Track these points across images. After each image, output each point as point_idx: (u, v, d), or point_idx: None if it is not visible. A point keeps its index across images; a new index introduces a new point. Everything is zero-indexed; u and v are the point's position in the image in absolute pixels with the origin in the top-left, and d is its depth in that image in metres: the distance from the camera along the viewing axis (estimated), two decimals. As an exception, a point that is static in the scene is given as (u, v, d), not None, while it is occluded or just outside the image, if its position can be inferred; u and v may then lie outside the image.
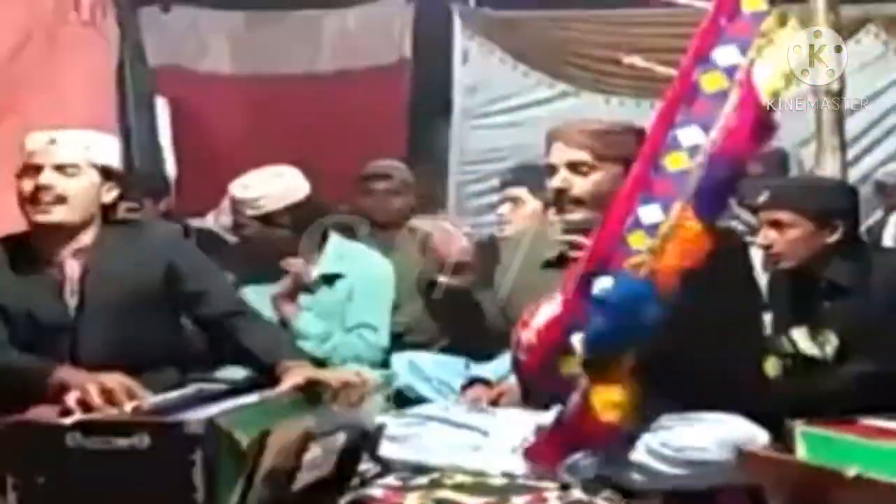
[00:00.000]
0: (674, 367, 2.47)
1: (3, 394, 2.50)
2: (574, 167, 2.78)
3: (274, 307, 3.39)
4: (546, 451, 2.61)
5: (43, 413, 2.37)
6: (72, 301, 2.75)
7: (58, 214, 2.73)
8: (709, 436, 2.50)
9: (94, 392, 2.40)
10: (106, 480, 2.17)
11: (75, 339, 2.73)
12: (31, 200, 2.72)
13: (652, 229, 2.47)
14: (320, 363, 2.96)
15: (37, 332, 2.72)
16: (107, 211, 2.83)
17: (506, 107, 6.41)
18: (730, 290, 2.53)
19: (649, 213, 2.48)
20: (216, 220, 5.20)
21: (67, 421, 2.25)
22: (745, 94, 2.47)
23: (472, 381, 3.17)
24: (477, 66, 6.38)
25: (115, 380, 2.45)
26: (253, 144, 6.37)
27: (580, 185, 2.77)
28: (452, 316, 3.04)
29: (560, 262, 2.86)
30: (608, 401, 2.49)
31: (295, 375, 2.53)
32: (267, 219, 3.45)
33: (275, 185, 3.48)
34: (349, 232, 3.84)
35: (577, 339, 2.49)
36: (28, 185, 2.73)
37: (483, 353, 3.22)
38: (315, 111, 6.32)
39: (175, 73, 6.43)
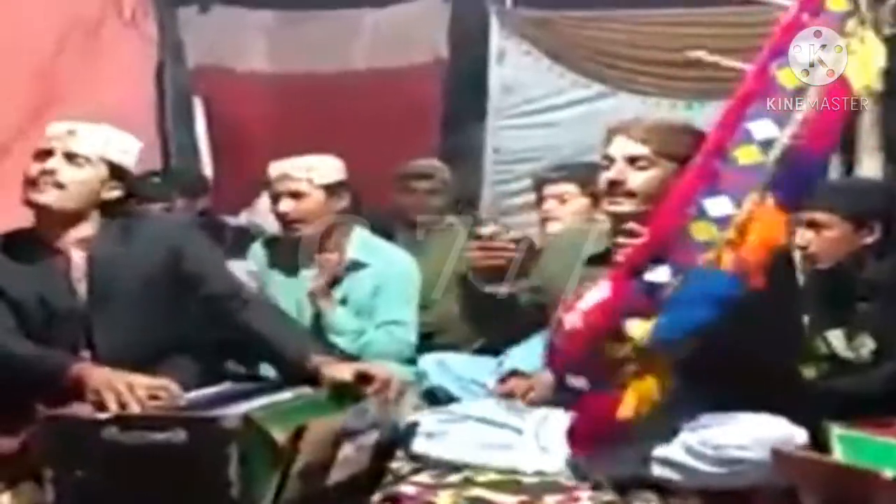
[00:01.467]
0: (712, 362, 2.46)
1: (20, 386, 2.52)
2: (632, 161, 2.79)
3: (311, 301, 3.41)
4: (581, 438, 2.60)
5: (82, 408, 2.38)
6: (81, 288, 2.76)
7: (50, 197, 2.73)
8: (748, 434, 2.49)
9: (124, 391, 2.39)
10: (142, 475, 2.19)
11: (89, 327, 2.74)
12: (30, 182, 2.74)
13: (721, 221, 2.47)
14: (351, 359, 2.97)
15: (50, 319, 2.73)
16: (107, 208, 2.81)
17: (541, 107, 6.38)
18: (773, 289, 2.52)
19: (717, 204, 2.47)
20: (249, 219, 5.24)
21: (104, 415, 2.28)
22: (835, 90, 2.47)
23: (509, 374, 3.16)
24: (513, 67, 6.35)
25: (143, 378, 2.46)
26: (288, 143, 6.39)
27: (635, 179, 2.78)
28: (496, 321, 3.03)
29: (606, 257, 2.86)
30: (642, 396, 2.49)
31: (338, 370, 2.56)
32: (329, 188, 3.48)
33: (320, 161, 3.53)
34: (382, 231, 3.85)
35: (631, 325, 2.48)
36: (35, 168, 2.75)
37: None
38: (350, 110, 6.32)
39: (213, 72, 6.45)
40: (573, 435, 2.61)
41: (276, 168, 3.55)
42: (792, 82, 2.50)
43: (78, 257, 2.78)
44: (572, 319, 2.55)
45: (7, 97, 4.31)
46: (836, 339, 2.99)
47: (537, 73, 6.39)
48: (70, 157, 2.76)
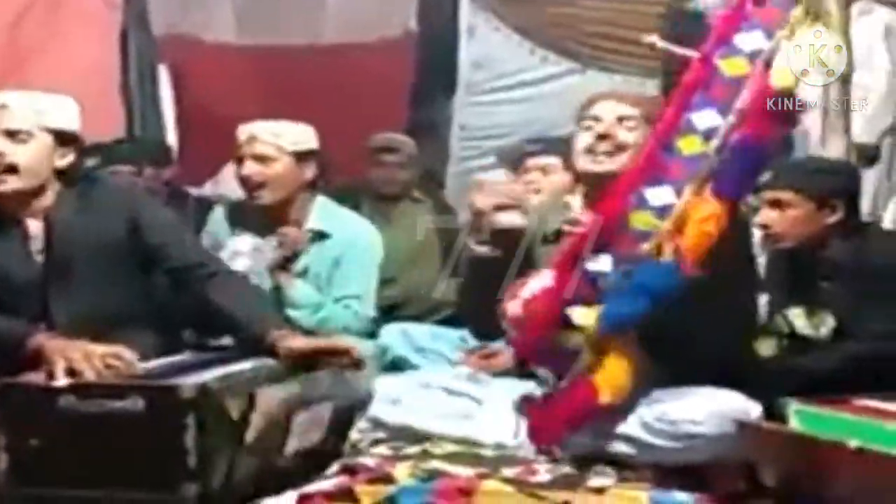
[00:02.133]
0: (669, 341, 2.49)
1: None
2: (621, 120, 2.83)
3: (270, 274, 3.37)
4: (545, 429, 2.61)
5: (37, 376, 2.36)
6: (38, 259, 2.72)
7: (11, 184, 2.68)
8: (702, 409, 2.52)
9: (79, 359, 2.37)
10: (99, 443, 2.18)
11: (45, 297, 2.70)
12: None
13: (661, 211, 2.48)
14: (308, 333, 2.96)
15: (10, 291, 2.69)
16: (63, 174, 2.75)
17: (510, 83, 6.37)
18: (727, 268, 2.53)
19: (659, 194, 2.50)
20: (214, 189, 5.21)
21: (61, 383, 2.26)
22: (761, 82, 2.47)
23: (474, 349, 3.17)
24: (483, 42, 6.33)
25: (101, 348, 2.43)
26: (255, 115, 6.35)
27: (625, 135, 2.81)
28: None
29: (558, 238, 2.87)
30: (613, 379, 2.50)
31: (296, 341, 2.54)
32: (299, 156, 3.41)
33: (291, 128, 3.46)
34: (350, 203, 3.83)
35: (577, 314, 2.50)
36: None
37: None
38: (319, 83, 6.27)
39: (179, 41, 6.39)
40: (536, 425, 2.62)
41: (244, 130, 3.45)
42: (732, 71, 2.50)
43: (36, 228, 2.73)
44: (514, 308, 2.57)
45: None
46: (796, 317, 3.00)
47: (507, 49, 6.37)
48: (10, 134, 2.68)
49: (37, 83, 4.20)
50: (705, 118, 2.51)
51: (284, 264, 3.38)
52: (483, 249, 2.99)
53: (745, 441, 2.41)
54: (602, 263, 2.51)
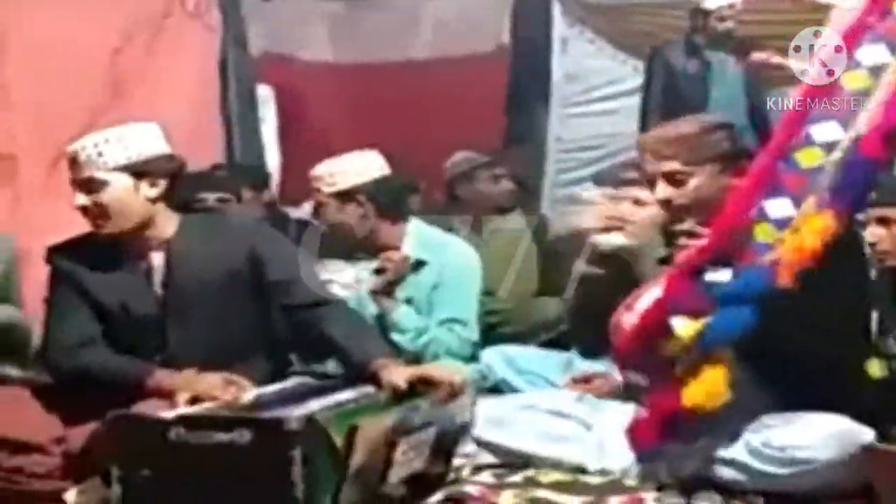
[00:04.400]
0: (777, 360, 2.45)
1: (101, 394, 2.54)
2: (670, 177, 2.77)
3: (373, 300, 3.39)
4: (643, 434, 2.58)
5: (148, 407, 2.42)
6: (159, 291, 2.75)
7: (110, 228, 2.71)
8: (812, 434, 2.46)
9: (205, 390, 2.46)
10: (207, 475, 2.20)
11: (164, 330, 2.74)
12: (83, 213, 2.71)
13: (781, 223, 2.45)
14: (412, 357, 2.97)
15: (130, 325, 2.73)
16: (168, 200, 2.75)
17: (603, 95, 6.35)
18: (841, 286, 2.48)
19: (778, 206, 2.46)
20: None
21: (170, 415, 2.30)
22: (889, 97, 2.43)
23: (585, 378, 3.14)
24: (575, 54, 6.33)
25: (220, 378, 2.51)
26: (353, 132, 6.42)
27: (679, 195, 2.76)
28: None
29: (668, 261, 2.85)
30: (708, 385, 2.47)
31: (396, 374, 2.53)
32: (343, 196, 3.46)
33: (353, 163, 3.50)
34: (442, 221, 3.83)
35: (679, 324, 2.47)
36: (75, 202, 2.70)
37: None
38: (414, 98, 6.33)
39: (277, 61, 6.49)
40: (635, 431, 2.59)
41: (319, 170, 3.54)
42: (854, 85, 2.46)
43: (157, 260, 2.76)
44: (630, 319, 2.55)
45: (74, 92, 4.35)
46: (905, 337, 2.93)
47: (600, 61, 6.36)
48: (82, 184, 2.68)
49: (138, 110, 4.31)
50: (825, 131, 2.47)
51: (389, 289, 3.40)
52: (591, 269, 2.95)
53: (867, 466, 2.35)
54: (722, 275, 2.48)
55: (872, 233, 2.96)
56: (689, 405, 2.46)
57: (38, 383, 2.83)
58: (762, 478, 2.50)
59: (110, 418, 2.30)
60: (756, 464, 2.51)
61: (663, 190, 2.78)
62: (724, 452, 2.54)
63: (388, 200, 3.50)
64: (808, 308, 2.39)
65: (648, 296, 2.60)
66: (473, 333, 3.47)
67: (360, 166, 3.50)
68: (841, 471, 2.41)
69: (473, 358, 3.41)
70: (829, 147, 2.46)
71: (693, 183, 2.74)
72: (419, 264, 3.47)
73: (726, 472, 2.54)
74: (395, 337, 3.31)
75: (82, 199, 2.68)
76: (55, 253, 2.80)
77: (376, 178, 3.49)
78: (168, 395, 2.51)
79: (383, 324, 3.35)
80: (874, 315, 3.02)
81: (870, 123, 2.44)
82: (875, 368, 2.91)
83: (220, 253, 2.76)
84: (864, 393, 2.67)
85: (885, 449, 2.36)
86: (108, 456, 2.28)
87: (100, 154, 2.66)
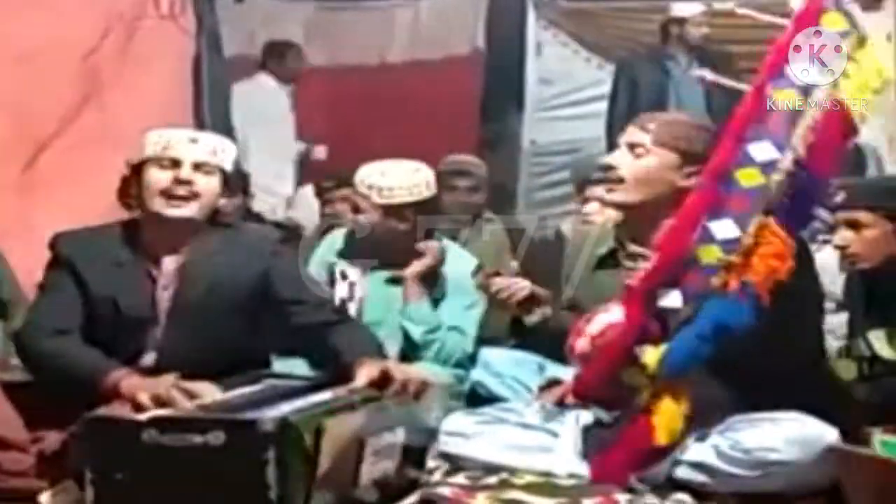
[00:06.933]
0: (741, 373, 2.49)
1: (60, 387, 2.59)
2: (632, 147, 2.81)
3: (404, 282, 3.41)
4: (609, 471, 2.60)
5: (118, 410, 2.42)
6: (164, 296, 2.78)
7: (189, 210, 2.76)
8: (778, 436, 2.49)
9: (144, 398, 2.46)
10: (181, 476, 2.20)
11: (163, 334, 2.77)
12: (164, 193, 2.74)
13: (727, 244, 2.47)
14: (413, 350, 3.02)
15: (116, 322, 2.75)
16: (216, 214, 2.85)
17: (578, 98, 6.38)
18: (794, 295, 2.50)
19: (723, 228, 2.48)
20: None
21: (144, 417, 2.30)
22: (831, 113, 2.46)
23: (550, 383, 3.15)
24: (550, 58, 6.36)
25: (167, 382, 2.50)
26: (327, 135, 6.42)
27: (627, 165, 2.80)
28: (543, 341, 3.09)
29: (612, 258, 2.89)
30: (670, 421, 2.50)
31: (369, 369, 2.54)
32: (392, 210, 3.46)
33: (412, 179, 3.49)
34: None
35: (646, 352, 2.49)
36: (163, 176, 2.75)
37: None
38: (388, 101, 6.33)
39: (250, 63, 6.47)
40: (603, 467, 2.62)
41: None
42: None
43: (168, 266, 2.79)
44: (582, 345, 2.57)
45: (49, 91, 4.34)
46: (876, 339, 2.96)
47: (574, 65, 6.38)
48: (197, 166, 2.77)
49: (113, 110, 4.30)
50: (762, 150, 2.49)
51: (420, 278, 3.42)
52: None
53: (833, 466, 2.38)
54: (672, 299, 2.50)
55: (842, 236, 2.98)
56: (659, 443, 2.51)
57: (13, 382, 2.82)
58: (730, 479, 2.53)
59: (83, 420, 2.30)
60: (723, 466, 2.53)
61: (614, 156, 2.83)
62: (691, 455, 2.57)
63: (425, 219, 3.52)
64: (765, 321, 2.43)
65: (600, 320, 2.62)
66: (470, 346, 3.48)
67: (415, 184, 3.49)
68: (808, 471, 2.45)
69: (462, 365, 3.42)
70: (767, 167, 2.47)
71: (645, 161, 2.78)
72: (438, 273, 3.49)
73: (694, 475, 2.56)
74: (407, 325, 3.33)
75: (186, 173, 2.74)
76: (60, 238, 2.83)
77: (425, 198, 3.50)
78: (121, 397, 2.51)
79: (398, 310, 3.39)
80: (844, 317, 3.07)
81: (805, 143, 2.46)
82: (845, 370, 2.94)
83: (234, 267, 2.79)
84: (828, 396, 2.69)
85: (849, 450, 2.39)
86: (81, 458, 2.28)
87: (216, 151, 2.81)
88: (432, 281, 3.47)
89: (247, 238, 2.91)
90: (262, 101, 6.25)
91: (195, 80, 5.34)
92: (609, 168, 2.83)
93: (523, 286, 2.92)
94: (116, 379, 2.59)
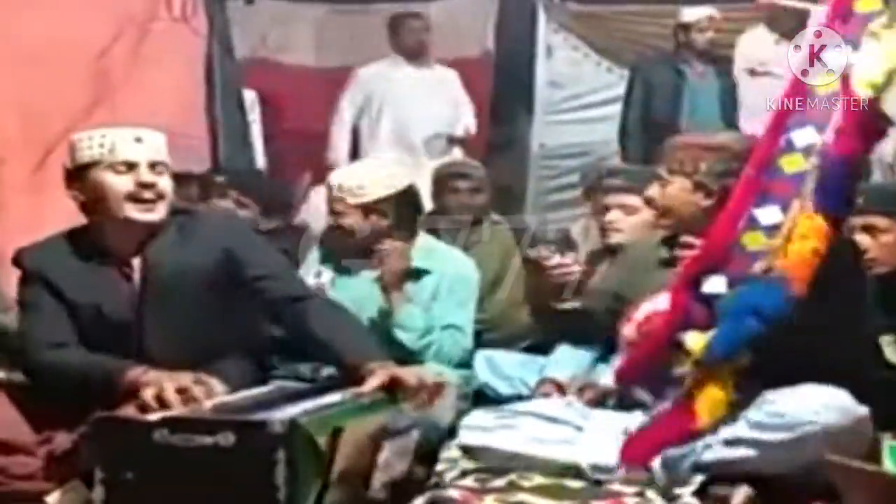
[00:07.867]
0: (789, 364, 2.47)
1: (76, 394, 2.56)
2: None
3: (382, 291, 3.38)
4: (639, 451, 2.60)
5: (132, 410, 2.42)
6: (135, 293, 2.75)
7: (158, 213, 2.73)
8: (815, 400, 2.44)
9: (169, 389, 2.44)
10: (191, 477, 2.21)
11: (141, 332, 2.74)
12: (130, 198, 2.70)
13: (771, 230, 2.49)
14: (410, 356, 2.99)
15: (103, 326, 2.73)
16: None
17: (588, 102, 6.38)
18: (841, 290, 2.51)
19: (768, 214, 2.51)
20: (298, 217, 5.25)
21: (154, 417, 2.30)
22: (845, 92, 2.48)
23: (544, 382, 3.15)
24: (560, 61, 6.36)
25: (190, 378, 2.49)
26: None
27: (659, 196, 2.87)
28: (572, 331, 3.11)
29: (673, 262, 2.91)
30: (713, 404, 2.49)
31: (380, 374, 2.52)
32: (367, 208, 3.45)
33: (381, 171, 3.51)
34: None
35: (689, 338, 2.49)
36: (122, 181, 2.69)
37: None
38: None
39: (261, 65, 6.48)
40: (633, 445, 2.60)
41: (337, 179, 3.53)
42: (825, 88, 2.50)
43: (135, 262, 2.76)
44: (628, 331, 2.58)
45: (60, 93, 4.35)
46: (887, 345, 2.94)
47: (584, 68, 6.38)
48: (152, 166, 2.73)
49: (124, 112, 4.31)
50: (804, 136, 2.52)
51: (398, 281, 3.38)
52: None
53: (830, 476, 2.35)
54: (716, 285, 2.52)
55: (859, 240, 2.98)
56: (699, 428, 2.50)
57: (19, 384, 2.82)
58: (764, 450, 2.47)
59: (94, 420, 2.30)
60: (758, 435, 2.48)
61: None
62: (725, 434, 2.52)
63: (409, 212, 3.52)
64: (812, 314, 2.41)
65: (645, 307, 2.65)
66: (468, 341, 3.47)
67: (387, 178, 3.50)
68: (844, 437, 2.40)
69: (467, 364, 3.41)
70: (808, 151, 2.50)
71: (667, 189, 2.83)
72: (421, 273, 3.46)
73: (726, 453, 2.52)
74: (398, 333, 3.31)
75: (147, 176, 2.70)
76: (24, 254, 2.80)
77: (400, 190, 3.49)
78: (139, 393, 2.49)
79: (386, 321, 3.34)
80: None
81: (834, 125, 2.47)
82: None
83: (195, 253, 2.76)
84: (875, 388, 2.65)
85: (849, 464, 2.35)
86: (91, 458, 2.28)
87: (158, 148, 2.76)
88: (414, 279, 3.44)
89: (205, 220, 2.87)
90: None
91: (207, 82, 5.34)
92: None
93: (577, 269, 2.93)
94: (136, 375, 2.56)
